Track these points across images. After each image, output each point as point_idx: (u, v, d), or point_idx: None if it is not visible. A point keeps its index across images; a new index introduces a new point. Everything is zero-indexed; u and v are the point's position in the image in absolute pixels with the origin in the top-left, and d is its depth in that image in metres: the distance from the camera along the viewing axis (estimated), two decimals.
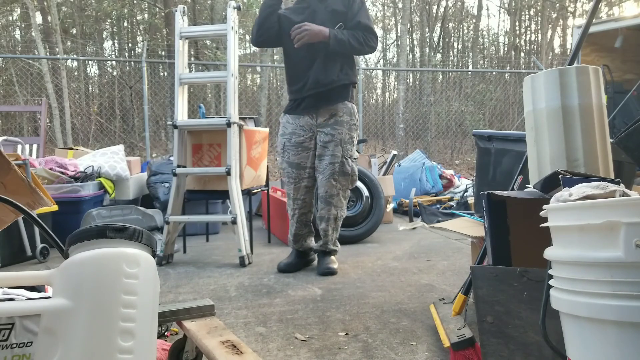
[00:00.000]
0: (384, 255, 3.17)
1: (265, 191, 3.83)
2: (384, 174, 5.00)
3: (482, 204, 1.51)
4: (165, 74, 10.36)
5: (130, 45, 14.78)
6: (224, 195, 3.17)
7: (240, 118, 3.35)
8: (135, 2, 13.07)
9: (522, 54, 15.59)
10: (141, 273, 0.80)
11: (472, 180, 4.98)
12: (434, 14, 15.09)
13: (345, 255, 3.12)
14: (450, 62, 14.98)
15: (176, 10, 3.11)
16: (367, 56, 16.00)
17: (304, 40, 2.48)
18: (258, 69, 11.20)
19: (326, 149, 2.61)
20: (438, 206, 4.98)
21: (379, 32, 16.87)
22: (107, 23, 13.94)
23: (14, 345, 0.75)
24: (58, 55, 9.49)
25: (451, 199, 5.17)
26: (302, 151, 2.65)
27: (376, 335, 1.74)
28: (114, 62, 12.33)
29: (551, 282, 1.02)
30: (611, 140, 1.62)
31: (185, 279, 2.63)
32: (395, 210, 5.12)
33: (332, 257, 2.76)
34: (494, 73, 11.73)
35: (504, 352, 1.19)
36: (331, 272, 2.65)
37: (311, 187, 2.73)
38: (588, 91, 1.53)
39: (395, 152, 5.28)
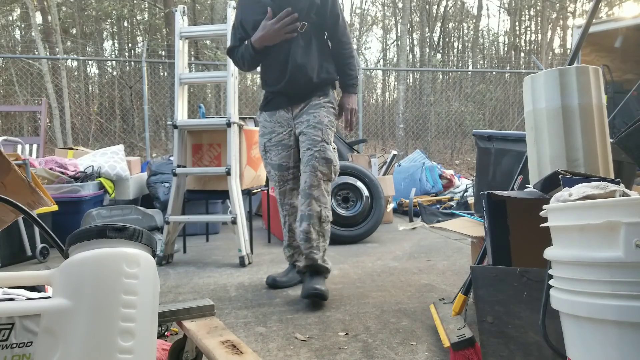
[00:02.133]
0: (384, 255, 3.17)
1: (265, 191, 3.83)
2: (384, 174, 5.00)
3: (482, 204, 1.51)
4: (165, 74, 10.36)
5: (130, 45, 14.80)
6: (224, 195, 3.17)
7: (240, 118, 3.36)
8: (135, 2, 13.07)
9: (522, 54, 15.60)
10: (141, 273, 0.80)
11: (472, 180, 4.98)
12: (434, 14, 15.10)
13: (345, 255, 3.12)
14: (450, 62, 14.99)
15: (176, 10, 3.11)
16: (367, 56, 16.04)
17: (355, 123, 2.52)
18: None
19: (304, 135, 2.32)
20: (438, 206, 4.98)
21: (378, 32, 16.84)
22: (107, 23, 13.95)
23: (14, 345, 0.75)
24: (58, 55, 9.50)
25: (451, 199, 5.17)
26: (283, 150, 2.40)
27: (376, 335, 1.74)
28: (114, 62, 12.34)
29: (551, 282, 1.02)
30: (611, 140, 1.62)
31: (185, 279, 2.63)
32: (395, 210, 5.13)
33: (321, 278, 2.24)
34: (494, 73, 11.74)
35: (504, 352, 1.19)
36: (318, 294, 2.08)
37: (297, 189, 2.41)
38: (588, 91, 1.52)
39: (395, 152, 5.28)
